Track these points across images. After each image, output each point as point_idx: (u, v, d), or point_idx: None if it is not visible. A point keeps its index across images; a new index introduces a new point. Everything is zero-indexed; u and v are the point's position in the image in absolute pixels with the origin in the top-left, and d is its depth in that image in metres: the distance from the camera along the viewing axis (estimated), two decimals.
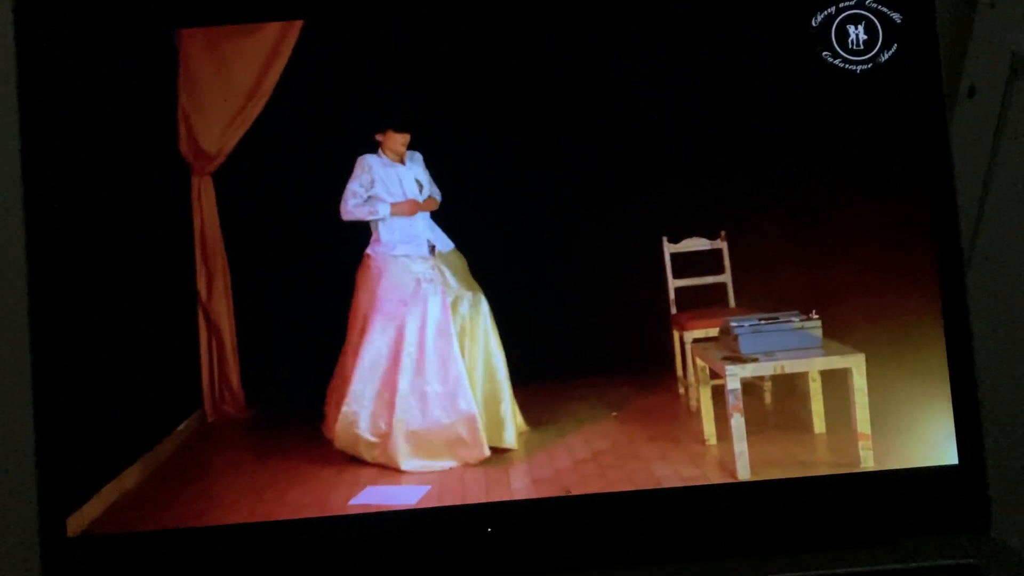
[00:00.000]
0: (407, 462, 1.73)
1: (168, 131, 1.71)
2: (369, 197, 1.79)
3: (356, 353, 1.80)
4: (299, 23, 1.65)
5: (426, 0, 1.60)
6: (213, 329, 1.83)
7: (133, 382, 1.60)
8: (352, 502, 1.57)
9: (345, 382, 1.80)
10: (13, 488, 1.49)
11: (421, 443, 1.75)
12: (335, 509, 1.55)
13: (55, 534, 1.46)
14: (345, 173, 1.77)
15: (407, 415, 1.77)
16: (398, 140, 1.80)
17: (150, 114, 1.64)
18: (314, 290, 1.79)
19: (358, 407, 1.79)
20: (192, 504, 1.56)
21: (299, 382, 1.77)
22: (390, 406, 1.78)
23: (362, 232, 1.83)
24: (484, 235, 1.81)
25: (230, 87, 1.68)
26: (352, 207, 1.79)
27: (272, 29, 1.66)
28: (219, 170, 1.76)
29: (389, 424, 1.77)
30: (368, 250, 1.83)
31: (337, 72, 1.69)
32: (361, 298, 1.81)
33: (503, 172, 1.75)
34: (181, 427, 1.78)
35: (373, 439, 1.77)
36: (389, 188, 1.81)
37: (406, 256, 1.83)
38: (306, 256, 1.78)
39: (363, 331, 1.81)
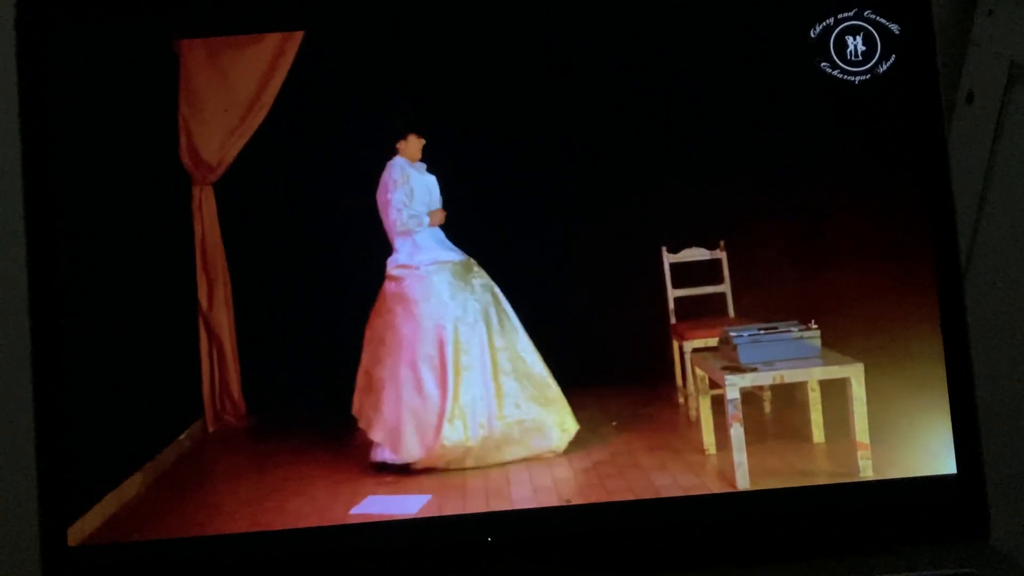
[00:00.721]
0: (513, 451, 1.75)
1: (169, 141, 1.70)
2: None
3: (442, 367, 1.80)
4: (300, 34, 1.64)
5: (421, 11, 1.60)
6: (214, 338, 1.82)
7: (134, 391, 1.60)
8: (353, 511, 1.57)
9: (412, 399, 1.79)
10: (14, 498, 1.50)
11: (524, 434, 1.77)
12: (336, 518, 1.54)
13: (56, 544, 1.46)
14: (345, 183, 1.76)
15: (507, 410, 1.79)
16: (418, 145, 1.79)
17: (151, 123, 1.64)
18: (315, 300, 1.78)
19: (461, 414, 1.78)
20: (193, 514, 1.56)
21: (301, 392, 1.76)
22: (491, 405, 1.79)
23: (364, 242, 1.82)
24: (481, 244, 1.80)
25: (231, 98, 1.68)
26: (396, 217, 1.79)
27: (273, 40, 1.66)
28: (220, 180, 1.75)
29: (490, 424, 1.77)
30: (407, 262, 1.83)
31: (338, 82, 1.68)
32: (424, 309, 1.81)
33: (501, 181, 1.74)
34: (182, 436, 1.77)
35: (476, 443, 1.76)
36: (422, 197, 1.81)
37: (453, 262, 1.83)
38: (307, 266, 1.77)
39: (442, 341, 1.81)
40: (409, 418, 1.80)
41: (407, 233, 1.82)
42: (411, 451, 1.77)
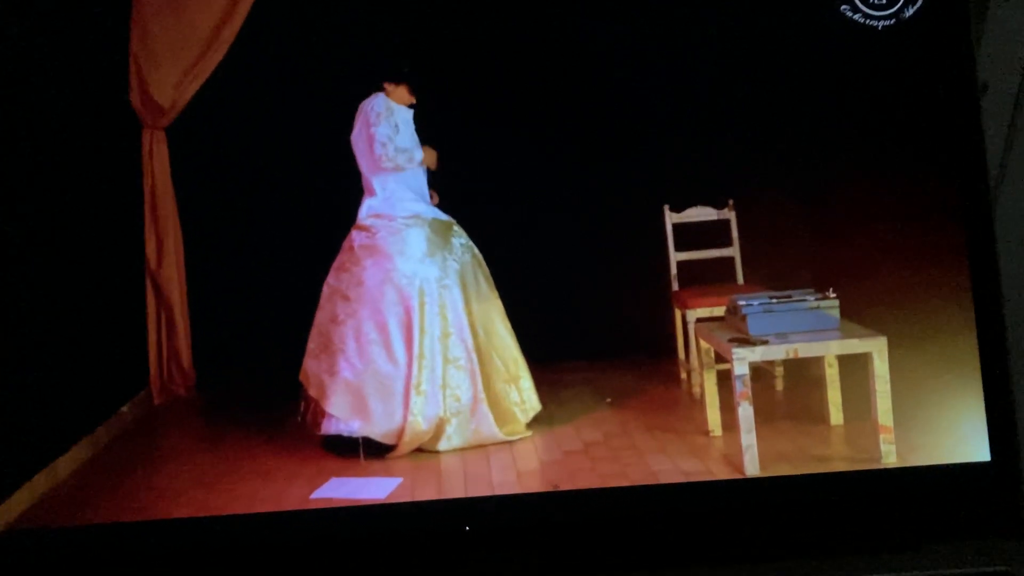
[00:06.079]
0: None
1: (117, 80, 1.66)
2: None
3: (409, 329, 1.69)
4: None
5: None
6: (163, 301, 1.77)
7: (71, 357, 1.54)
8: (315, 495, 1.49)
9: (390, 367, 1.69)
10: None
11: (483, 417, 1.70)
12: (295, 503, 1.47)
13: None
14: (310, 130, 1.70)
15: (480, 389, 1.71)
16: (407, 99, 1.72)
17: (97, 60, 1.59)
18: (277, 259, 1.73)
19: (430, 385, 1.68)
20: (134, 495, 1.49)
21: (258, 361, 1.72)
22: (472, 374, 1.70)
23: (331, 195, 1.74)
24: (463, 199, 1.76)
25: (187, 34, 1.65)
26: (393, 153, 1.69)
27: None
28: (173, 124, 1.71)
29: (474, 390, 1.69)
30: (382, 211, 1.73)
31: (303, 20, 1.64)
32: (398, 264, 1.71)
33: (491, 137, 1.71)
34: (124, 409, 1.71)
35: (466, 408, 1.68)
36: (407, 131, 1.72)
37: (432, 218, 1.74)
38: (268, 222, 1.73)
39: (413, 302, 1.70)
40: (373, 384, 1.69)
41: (391, 172, 1.72)
42: (380, 423, 1.66)
